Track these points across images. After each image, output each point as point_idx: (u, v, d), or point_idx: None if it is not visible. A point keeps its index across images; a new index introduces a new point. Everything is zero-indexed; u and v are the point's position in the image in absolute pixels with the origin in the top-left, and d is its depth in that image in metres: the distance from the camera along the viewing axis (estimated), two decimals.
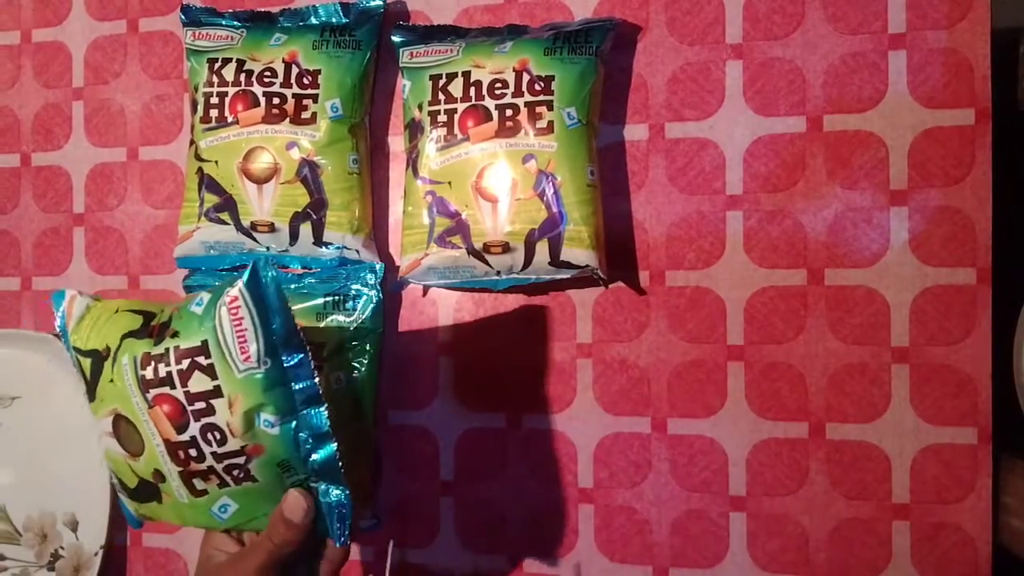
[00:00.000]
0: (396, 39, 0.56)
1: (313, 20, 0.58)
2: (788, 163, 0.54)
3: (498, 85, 0.52)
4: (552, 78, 0.51)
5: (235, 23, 0.58)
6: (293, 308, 0.56)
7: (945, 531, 0.52)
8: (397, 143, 0.59)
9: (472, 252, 0.52)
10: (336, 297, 0.56)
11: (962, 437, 0.51)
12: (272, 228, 0.55)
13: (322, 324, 0.56)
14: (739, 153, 0.54)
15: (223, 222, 0.56)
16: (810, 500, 0.53)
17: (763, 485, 0.54)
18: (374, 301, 0.56)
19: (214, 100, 0.56)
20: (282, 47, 0.56)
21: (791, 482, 0.53)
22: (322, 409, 0.41)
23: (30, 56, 0.66)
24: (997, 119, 0.51)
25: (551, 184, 0.51)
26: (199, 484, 0.42)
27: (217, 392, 0.40)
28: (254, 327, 0.40)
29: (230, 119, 0.55)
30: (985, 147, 0.51)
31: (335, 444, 0.41)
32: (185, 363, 0.40)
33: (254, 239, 0.56)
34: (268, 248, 0.57)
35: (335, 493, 0.42)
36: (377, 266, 0.56)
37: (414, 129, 0.55)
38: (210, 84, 0.56)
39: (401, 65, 0.56)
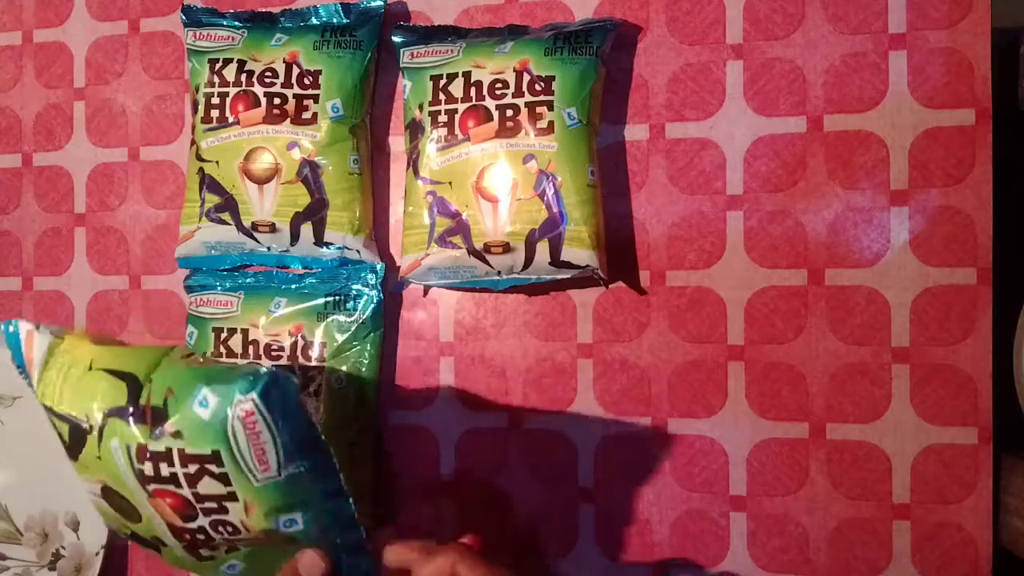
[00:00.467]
0: (397, 39, 0.57)
1: (314, 20, 0.58)
2: (788, 163, 0.54)
3: (499, 85, 0.52)
4: (552, 78, 0.52)
5: (236, 23, 0.58)
6: (294, 308, 0.56)
7: (946, 531, 0.52)
8: (398, 143, 0.59)
9: (472, 252, 0.52)
10: (337, 297, 0.56)
11: (963, 437, 0.51)
12: (273, 228, 0.55)
13: (322, 324, 0.56)
14: (739, 153, 0.54)
15: (224, 222, 0.56)
16: (810, 500, 0.53)
17: (763, 485, 0.54)
18: (374, 301, 0.56)
19: (215, 100, 0.56)
20: (283, 47, 0.56)
21: (791, 482, 0.53)
22: (348, 501, 0.39)
23: (31, 56, 0.66)
24: (997, 119, 0.51)
25: (551, 184, 0.51)
26: (205, 552, 0.40)
27: (232, 497, 0.37)
28: (272, 439, 0.37)
29: (231, 119, 0.55)
30: (985, 147, 0.51)
31: (362, 529, 0.39)
32: (193, 468, 0.37)
33: (255, 239, 0.56)
34: (269, 248, 0.57)
35: (360, 561, 0.40)
36: (378, 266, 0.57)
37: (415, 129, 0.55)
38: (211, 84, 0.56)
39: (402, 65, 0.56)
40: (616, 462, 0.56)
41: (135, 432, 0.37)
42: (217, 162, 0.56)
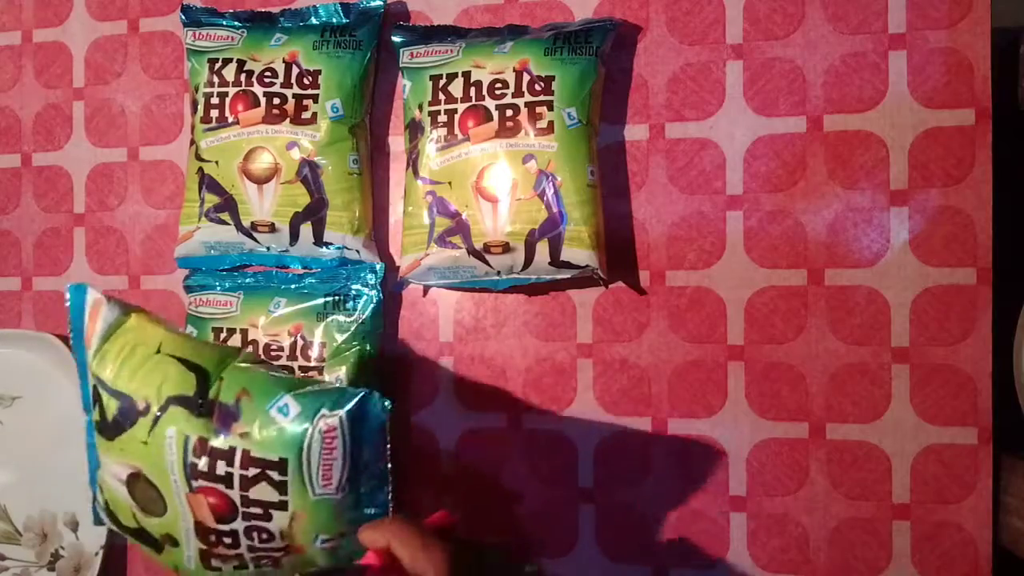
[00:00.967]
0: (396, 39, 0.57)
1: (313, 20, 0.58)
2: (788, 163, 0.54)
3: (498, 85, 0.52)
4: (552, 78, 0.51)
5: (235, 23, 0.58)
6: (293, 308, 0.56)
7: (946, 531, 0.52)
8: (397, 143, 0.59)
9: (472, 252, 0.52)
10: (336, 297, 0.56)
11: (962, 437, 0.51)
12: (272, 228, 0.55)
13: (322, 324, 0.56)
14: (739, 153, 0.54)
15: (223, 222, 0.56)
16: (810, 500, 0.53)
17: (763, 485, 0.54)
18: (374, 301, 0.56)
19: (214, 100, 0.56)
20: (282, 47, 0.56)
21: (791, 482, 0.53)
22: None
23: (31, 56, 0.66)
24: (997, 119, 0.51)
25: (551, 184, 0.51)
26: (216, 563, 0.39)
27: (282, 505, 0.37)
28: (343, 459, 0.37)
29: (230, 119, 0.55)
30: (985, 147, 0.51)
31: None
32: (253, 471, 0.37)
33: (254, 239, 0.56)
34: (268, 248, 0.57)
35: None
36: (377, 266, 0.57)
37: (414, 129, 0.55)
38: (210, 84, 0.56)
39: (401, 65, 0.56)
40: (616, 462, 0.56)
41: (198, 425, 0.37)
42: (216, 162, 0.56)
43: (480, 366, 0.58)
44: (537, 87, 0.52)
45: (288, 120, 0.55)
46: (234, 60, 0.56)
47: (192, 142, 0.57)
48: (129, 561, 0.62)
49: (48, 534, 0.63)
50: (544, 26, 0.55)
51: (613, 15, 0.56)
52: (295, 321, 0.56)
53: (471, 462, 0.58)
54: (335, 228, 0.55)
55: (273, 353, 0.56)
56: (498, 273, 0.53)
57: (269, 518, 0.37)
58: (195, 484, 0.37)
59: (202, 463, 0.37)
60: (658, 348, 0.55)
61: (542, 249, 0.51)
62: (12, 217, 0.66)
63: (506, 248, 0.52)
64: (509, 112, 0.52)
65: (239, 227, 0.56)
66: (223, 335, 0.57)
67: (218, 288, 0.58)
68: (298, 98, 0.55)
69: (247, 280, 0.58)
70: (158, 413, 0.37)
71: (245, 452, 0.37)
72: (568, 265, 0.51)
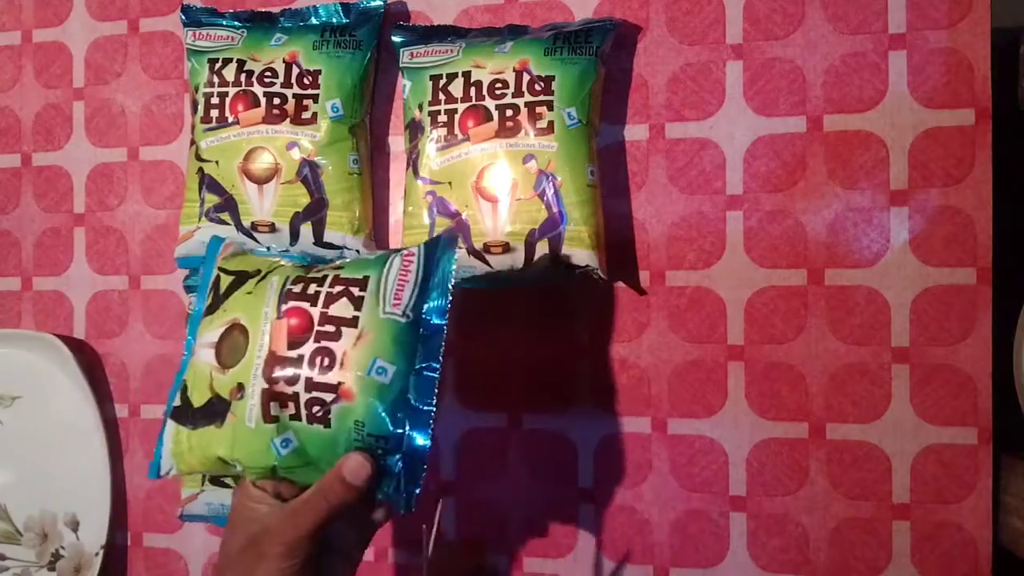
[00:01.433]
0: (396, 39, 0.57)
1: (313, 20, 0.58)
2: (788, 163, 0.54)
3: (498, 85, 0.52)
4: (552, 78, 0.52)
5: (235, 23, 0.58)
6: None
7: (946, 531, 0.52)
8: (397, 143, 0.59)
9: (472, 252, 0.52)
10: None
11: (962, 437, 0.51)
12: (273, 228, 0.55)
13: None
14: (739, 153, 0.54)
15: (224, 222, 0.56)
16: (810, 500, 0.53)
17: (763, 485, 0.54)
18: None
19: (215, 100, 0.56)
20: (282, 47, 0.56)
21: (791, 482, 0.53)
22: (431, 402, 0.40)
23: (31, 56, 0.66)
24: (997, 119, 0.51)
25: (551, 184, 0.51)
26: (274, 409, 0.41)
27: (353, 322, 0.41)
28: (415, 283, 0.42)
29: (231, 119, 0.55)
30: (985, 147, 0.51)
31: (433, 409, 0.40)
32: (337, 288, 0.42)
33: (255, 239, 0.56)
34: (269, 248, 0.57)
35: (409, 464, 0.40)
36: None
37: (414, 129, 0.55)
38: (211, 84, 0.56)
39: (401, 65, 0.56)
40: (616, 462, 0.56)
41: (301, 271, 0.44)
42: (217, 162, 0.56)
43: (480, 366, 0.58)
44: (537, 87, 0.52)
45: (288, 120, 0.55)
46: (234, 60, 0.56)
47: (192, 142, 0.57)
48: (130, 561, 0.62)
49: (48, 534, 0.63)
50: (544, 26, 0.55)
51: (613, 15, 0.56)
52: None
53: (471, 462, 0.58)
54: (335, 228, 0.55)
55: None
56: (498, 273, 0.53)
57: (338, 336, 0.41)
58: (283, 307, 0.42)
59: (296, 287, 0.42)
60: (658, 348, 0.55)
61: (542, 249, 0.51)
62: (12, 217, 0.66)
63: (506, 248, 0.52)
64: (509, 112, 0.52)
65: (239, 227, 0.56)
66: None
67: None
68: (298, 98, 0.55)
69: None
70: (268, 272, 0.45)
71: (336, 275, 0.43)
72: (568, 265, 0.51)
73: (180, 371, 0.46)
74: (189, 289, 0.59)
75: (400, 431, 0.40)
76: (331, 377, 0.40)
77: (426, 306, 0.42)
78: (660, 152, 0.56)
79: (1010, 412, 0.50)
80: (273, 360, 0.41)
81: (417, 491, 0.40)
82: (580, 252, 0.51)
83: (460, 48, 0.54)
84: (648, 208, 0.56)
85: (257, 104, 0.55)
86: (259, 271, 0.45)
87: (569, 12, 0.57)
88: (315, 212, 0.55)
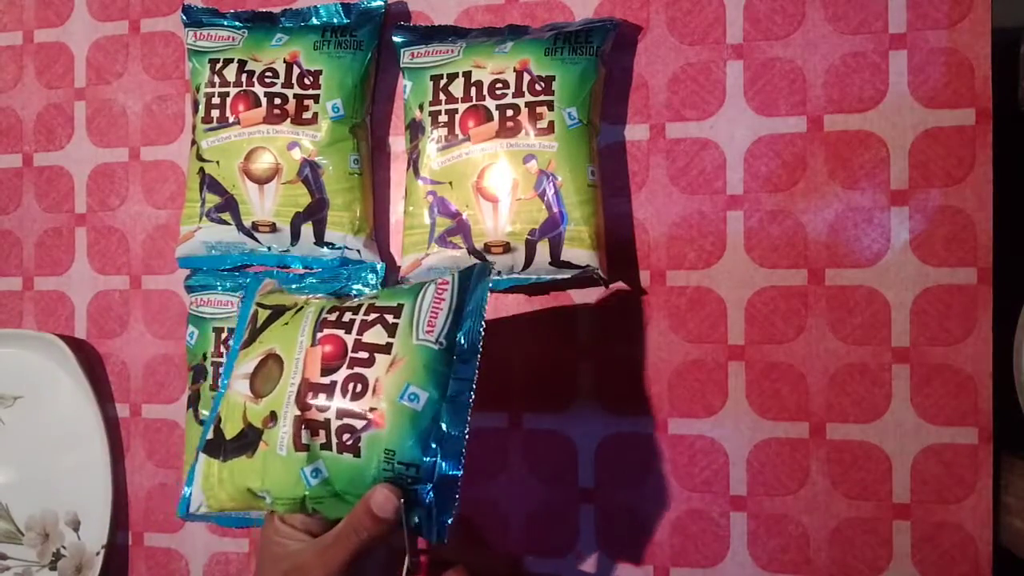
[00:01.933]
0: (397, 39, 0.57)
1: (314, 20, 0.58)
2: (789, 163, 0.54)
3: (499, 85, 0.52)
4: (553, 78, 0.52)
5: (236, 24, 0.58)
6: None
7: (946, 531, 0.52)
8: (398, 143, 0.59)
9: (473, 252, 0.53)
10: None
11: (963, 437, 0.51)
12: (273, 228, 0.55)
13: None
14: (740, 153, 0.54)
15: (224, 222, 0.56)
16: (810, 500, 0.53)
17: (763, 485, 0.54)
18: None
19: (215, 100, 0.56)
20: (283, 47, 0.56)
21: (791, 482, 0.53)
22: (464, 430, 0.40)
23: (32, 56, 0.66)
24: (997, 119, 0.51)
25: (552, 184, 0.51)
26: (305, 437, 0.41)
27: (387, 348, 0.41)
28: (449, 311, 0.42)
29: (231, 119, 0.55)
30: (986, 147, 0.51)
31: (465, 436, 0.40)
32: (372, 316, 0.42)
33: (255, 239, 0.56)
34: (269, 248, 0.57)
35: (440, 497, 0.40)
36: (378, 266, 0.57)
37: (415, 129, 0.55)
38: (211, 84, 0.56)
39: (402, 65, 0.56)
40: (616, 462, 0.56)
41: (334, 300, 0.46)
42: (217, 162, 0.56)
43: (480, 366, 0.58)
44: (537, 87, 0.52)
45: (289, 120, 0.55)
46: (235, 60, 0.56)
47: (193, 142, 0.57)
48: (130, 560, 0.63)
49: (50, 534, 0.63)
50: (544, 26, 0.55)
51: (613, 15, 0.56)
52: None
53: (471, 462, 0.58)
54: (336, 228, 0.55)
55: None
56: (499, 273, 0.53)
57: (372, 363, 0.41)
58: (318, 335, 0.42)
59: (331, 316, 0.43)
60: (658, 348, 0.55)
61: (542, 249, 0.51)
62: (13, 217, 0.66)
63: (506, 248, 0.52)
64: (509, 112, 0.52)
65: (240, 227, 0.56)
66: (224, 335, 0.57)
67: (219, 288, 0.58)
68: (299, 98, 0.55)
69: (248, 280, 0.59)
70: (305, 304, 0.46)
71: (371, 304, 0.44)
72: (568, 265, 0.51)
73: (214, 407, 0.45)
74: (190, 289, 0.59)
75: (431, 460, 0.39)
76: (363, 404, 0.40)
77: (460, 334, 0.42)
78: (660, 152, 0.56)
79: (1010, 412, 0.50)
80: (306, 387, 0.41)
81: (449, 520, 0.40)
82: (580, 252, 0.51)
83: (461, 48, 0.54)
84: (648, 208, 0.56)
85: (258, 104, 0.55)
86: (296, 305, 0.46)
87: (569, 12, 0.57)
88: (316, 212, 0.55)
